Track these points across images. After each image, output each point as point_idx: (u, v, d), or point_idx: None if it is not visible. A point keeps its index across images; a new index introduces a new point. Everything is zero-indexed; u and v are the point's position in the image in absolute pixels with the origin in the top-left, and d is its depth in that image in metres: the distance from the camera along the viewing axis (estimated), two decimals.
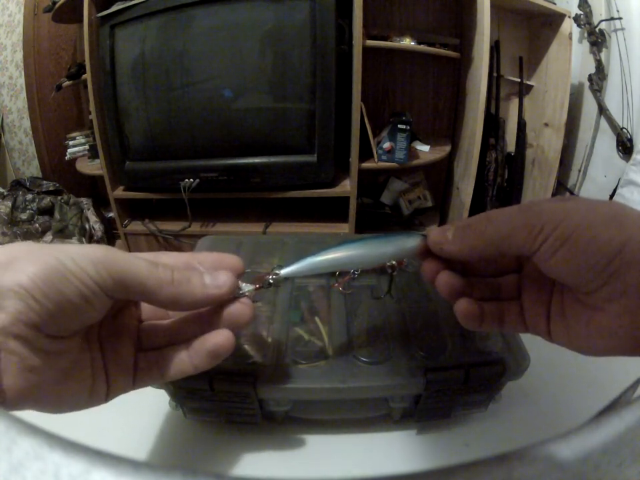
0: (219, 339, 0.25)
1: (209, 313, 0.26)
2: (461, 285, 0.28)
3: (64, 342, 0.22)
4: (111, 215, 1.67)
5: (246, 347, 0.35)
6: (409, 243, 0.29)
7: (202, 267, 0.27)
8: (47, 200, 1.62)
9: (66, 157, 1.72)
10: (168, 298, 0.24)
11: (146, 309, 0.28)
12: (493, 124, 1.60)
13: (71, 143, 1.71)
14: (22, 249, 0.21)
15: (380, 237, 0.29)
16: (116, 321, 0.26)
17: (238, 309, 0.26)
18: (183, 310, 0.26)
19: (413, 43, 1.42)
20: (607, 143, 1.56)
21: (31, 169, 1.90)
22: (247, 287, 0.27)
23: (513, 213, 0.25)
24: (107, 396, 0.25)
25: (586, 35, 1.53)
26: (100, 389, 0.24)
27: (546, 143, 1.63)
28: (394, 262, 0.31)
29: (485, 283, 0.29)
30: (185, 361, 0.26)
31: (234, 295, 0.26)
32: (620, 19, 1.43)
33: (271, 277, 0.28)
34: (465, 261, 0.28)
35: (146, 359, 0.26)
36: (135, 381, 0.26)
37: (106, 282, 0.21)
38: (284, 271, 0.28)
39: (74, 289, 0.21)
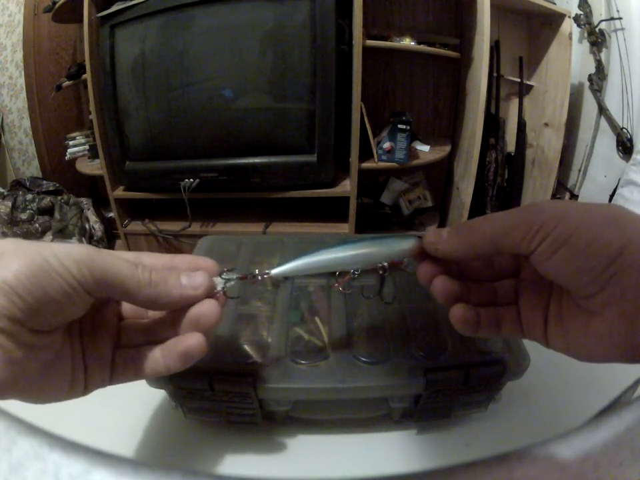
0: (189, 341, 0.26)
1: (183, 314, 0.27)
2: (457, 289, 0.27)
3: (46, 336, 0.23)
4: (111, 215, 1.67)
5: (246, 347, 0.35)
6: (403, 244, 0.28)
7: (180, 269, 0.27)
8: (47, 200, 1.62)
9: (66, 157, 1.72)
10: (146, 298, 0.25)
11: (126, 307, 0.29)
12: (493, 124, 1.60)
13: (71, 143, 1.71)
14: (9, 245, 0.21)
15: (374, 238, 0.29)
16: (97, 317, 0.27)
17: (203, 312, 0.26)
18: (161, 310, 0.27)
19: (413, 43, 1.42)
20: (606, 143, 1.56)
21: (31, 169, 1.90)
22: (232, 276, 0.27)
23: (512, 211, 0.24)
24: (85, 389, 0.26)
25: (586, 35, 1.53)
26: (79, 382, 0.25)
27: (546, 143, 1.63)
28: (385, 263, 0.31)
29: (482, 287, 0.29)
30: (159, 361, 0.26)
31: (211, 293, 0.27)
32: (620, 19, 1.43)
33: (261, 276, 0.28)
34: (461, 260, 0.28)
35: (123, 356, 0.27)
36: (112, 376, 0.27)
37: (87, 280, 0.22)
38: (274, 271, 0.28)
39: (57, 287, 0.21)
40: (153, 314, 0.29)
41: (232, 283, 0.27)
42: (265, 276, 0.29)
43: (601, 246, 0.21)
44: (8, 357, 0.20)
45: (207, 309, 0.26)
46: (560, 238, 0.22)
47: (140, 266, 0.25)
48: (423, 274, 0.28)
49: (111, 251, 0.25)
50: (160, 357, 0.26)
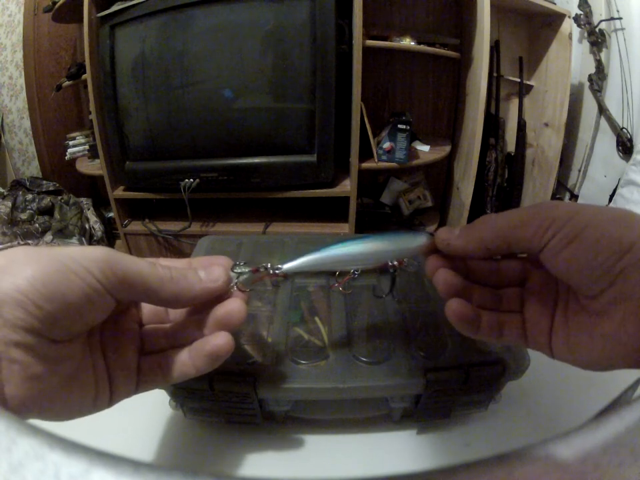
0: (218, 341, 0.25)
1: (207, 315, 0.27)
2: (459, 284, 0.27)
3: (66, 347, 0.22)
4: (111, 214, 1.67)
5: (246, 347, 0.35)
6: (415, 241, 0.28)
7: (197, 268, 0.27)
8: (47, 200, 1.62)
9: (66, 157, 1.72)
10: (169, 295, 0.24)
11: (147, 312, 0.28)
12: (493, 124, 1.60)
13: (71, 143, 1.72)
14: (20, 252, 0.21)
15: (385, 234, 0.29)
16: (118, 325, 0.26)
17: (230, 310, 0.26)
18: (184, 306, 0.27)
19: (413, 43, 1.42)
20: (607, 143, 1.56)
21: (31, 169, 1.90)
22: (244, 269, 0.28)
23: (524, 208, 0.25)
24: (111, 401, 0.25)
25: (586, 34, 1.53)
26: (103, 394, 0.24)
27: (546, 143, 1.63)
28: (395, 262, 0.31)
29: (487, 291, 0.28)
30: (187, 363, 0.26)
31: (230, 288, 0.27)
32: (620, 19, 1.43)
33: (272, 270, 0.28)
34: (472, 256, 0.28)
35: (149, 362, 0.26)
36: (139, 384, 0.26)
37: (110, 281, 0.21)
38: (286, 266, 0.28)
39: (77, 290, 0.20)
40: (174, 316, 0.28)
41: (245, 276, 0.28)
42: (277, 271, 0.28)
43: (610, 242, 0.21)
44: (27, 372, 0.19)
45: (234, 307, 0.26)
46: (571, 234, 0.22)
47: (158, 265, 0.25)
48: (431, 267, 0.28)
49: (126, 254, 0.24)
50: (188, 359, 0.26)
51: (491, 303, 0.28)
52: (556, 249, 0.23)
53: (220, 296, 0.27)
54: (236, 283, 0.27)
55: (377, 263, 0.30)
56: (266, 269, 0.28)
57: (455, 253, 0.27)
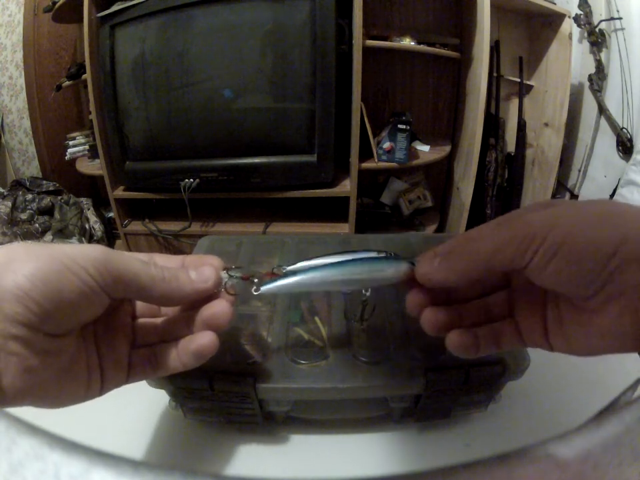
0: (202, 340, 0.26)
1: (196, 313, 0.27)
2: (447, 317, 0.26)
3: (62, 340, 0.22)
4: (111, 215, 1.67)
5: (246, 347, 0.35)
6: (396, 271, 0.27)
7: (189, 267, 0.28)
8: (47, 200, 1.62)
9: (66, 157, 1.72)
10: (161, 294, 0.25)
11: (139, 306, 0.29)
12: (493, 124, 1.60)
13: (70, 143, 1.71)
14: (20, 249, 0.21)
15: (366, 261, 0.28)
16: (111, 319, 0.27)
17: (216, 312, 0.27)
18: (175, 305, 0.28)
19: (413, 43, 1.42)
20: (607, 143, 1.56)
21: (31, 169, 1.90)
22: (236, 274, 0.28)
23: (495, 228, 0.24)
24: (101, 390, 0.26)
25: (586, 34, 1.53)
26: (95, 384, 0.25)
27: (546, 143, 1.63)
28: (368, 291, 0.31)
29: (474, 306, 0.28)
30: (175, 358, 0.27)
31: (219, 289, 0.28)
32: (620, 19, 1.43)
33: (257, 286, 0.29)
34: (455, 287, 0.28)
35: (140, 355, 0.27)
36: (129, 375, 0.27)
37: (106, 280, 0.22)
38: (265, 288, 0.29)
39: (74, 288, 0.21)
40: (166, 311, 0.29)
41: (235, 280, 0.28)
42: (256, 293, 0.28)
43: (595, 247, 0.21)
44: (24, 364, 0.20)
45: (219, 309, 0.27)
46: (553, 247, 0.21)
47: (152, 264, 0.25)
48: (412, 305, 0.27)
49: (123, 252, 0.25)
50: (175, 354, 0.27)
51: (481, 316, 0.27)
52: (540, 265, 0.22)
53: (210, 295, 0.28)
54: (224, 285, 0.28)
55: (356, 289, 0.30)
56: (252, 282, 0.29)
57: (437, 286, 0.26)
